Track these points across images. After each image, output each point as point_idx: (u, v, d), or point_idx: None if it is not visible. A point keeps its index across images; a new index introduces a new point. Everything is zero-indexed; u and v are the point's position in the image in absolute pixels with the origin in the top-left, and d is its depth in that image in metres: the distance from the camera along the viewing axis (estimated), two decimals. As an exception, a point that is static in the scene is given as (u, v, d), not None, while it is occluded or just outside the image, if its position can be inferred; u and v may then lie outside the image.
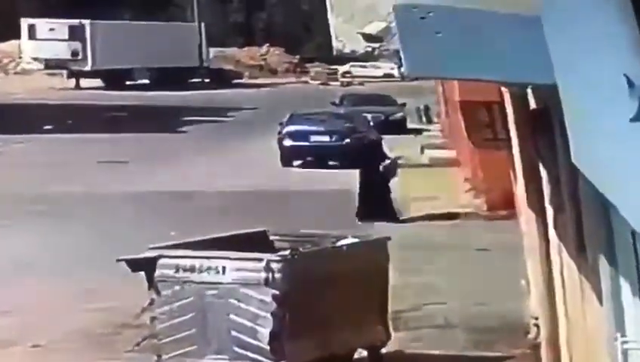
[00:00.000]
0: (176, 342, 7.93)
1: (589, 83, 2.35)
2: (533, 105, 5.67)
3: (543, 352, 6.39)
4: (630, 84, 2.27)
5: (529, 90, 5.45)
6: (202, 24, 48.01)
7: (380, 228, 13.30)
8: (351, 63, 52.35)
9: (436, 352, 9.08)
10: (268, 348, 7.76)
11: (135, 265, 8.12)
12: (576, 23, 2.29)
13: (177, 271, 7.93)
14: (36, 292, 10.95)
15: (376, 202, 15.68)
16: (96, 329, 9.70)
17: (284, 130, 22.83)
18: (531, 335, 8.63)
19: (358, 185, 16.14)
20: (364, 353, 8.69)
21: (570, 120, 2.55)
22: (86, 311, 10.20)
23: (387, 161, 16.37)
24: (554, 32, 2.47)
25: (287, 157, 22.35)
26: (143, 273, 8.08)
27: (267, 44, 53.94)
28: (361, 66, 51.54)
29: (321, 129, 22.87)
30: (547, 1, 2.47)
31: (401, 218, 15.78)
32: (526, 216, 7.32)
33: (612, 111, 2.24)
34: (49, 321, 9.91)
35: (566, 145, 2.75)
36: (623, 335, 4.01)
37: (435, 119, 30.44)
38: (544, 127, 5.02)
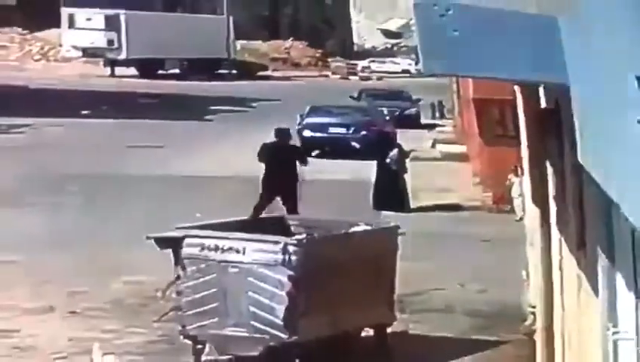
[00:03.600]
0: (199, 314, 8.06)
1: (600, 84, 2.30)
2: (544, 104, 5.62)
3: (538, 339, 6.36)
4: (640, 86, 2.22)
5: (541, 89, 5.40)
6: (230, 17, 47.89)
7: (392, 217, 13.28)
8: (370, 59, 52.23)
9: (437, 334, 9.07)
10: (282, 323, 7.89)
11: (163, 243, 8.26)
12: (591, 25, 2.24)
13: (202, 250, 8.05)
14: (73, 265, 11.06)
15: (389, 192, 15.66)
16: (126, 300, 9.81)
17: (304, 122, 22.82)
18: (528, 323, 8.60)
19: (373, 176, 16.11)
20: (371, 332, 8.70)
21: (579, 119, 2.50)
22: (117, 284, 10.35)
23: (394, 152, 16.30)
24: (569, 32, 2.43)
25: (306, 147, 22.31)
26: (170, 250, 8.16)
27: (291, 38, 53.77)
28: (380, 62, 51.41)
29: (339, 121, 22.84)
30: (564, 2, 2.42)
31: (411, 208, 15.73)
32: (531, 210, 7.27)
33: (621, 113, 2.20)
34: (84, 291, 10.01)
35: (573, 144, 2.70)
36: (615, 326, 3.97)
37: (448, 115, 30.32)
38: (553, 125, 4.98)
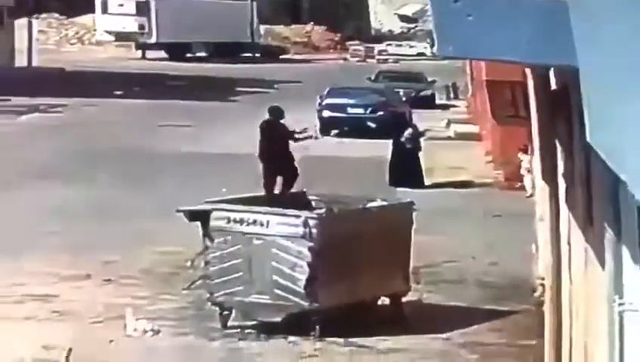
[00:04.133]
0: (226, 282, 8.19)
1: (608, 66, 2.28)
2: (554, 85, 5.57)
3: (547, 310, 6.34)
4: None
5: (551, 72, 5.35)
6: (254, 2, 47.69)
7: (407, 193, 13.27)
8: (387, 42, 51.85)
9: (450, 304, 9.08)
10: (303, 292, 7.98)
11: (192, 215, 8.36)
12: (600, 8, 2.22)
13: (228, 222, 8.14)
14: (107, 235, 11.17)
15: (405, 170, 15.63)
16: (158, 268, 9.91)
17: (324, 102, 22.77)
18: (537, 294, 8.59)
19: (389, 154, 16.08)
20: (387, 301, 8.73)
21: (587, 100, 2.48)
22: (149, 253, 10.46)
23: (409, 131, 16.25)
24: (579, 16, 2.39)
25: (325, 126, 22.31)
26: (198, 223, 8.23)
27: (311, 23, 53.47)
28: (397, 45, 51.02)
29: (357, 102, 22.76)
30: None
31: (425, 185, 15.70)
32: (540, 187, 7.23)
33: (630, 94, 2.17)
34: (118, 260, 10.12)
35: (582, 124, 2.67)
36: (621, 298, 3.96)
37: (462, 96, 30.11)
38: (563, 106, 4.94)
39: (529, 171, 14.41)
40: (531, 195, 13.94)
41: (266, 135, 13.32)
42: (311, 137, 13.71)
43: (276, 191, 12.45)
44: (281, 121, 13.64)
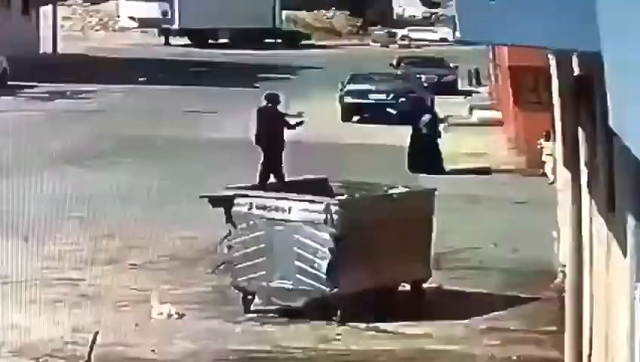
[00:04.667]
0: (249, 267, 8.24)
1: (634, 51, 2.25)
2: (577, 71, 5.51)
3: (567, 296, 6.32)
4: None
5: (574, 57, 5.28)
6: (276, -13, 47.49)
7: (428, 180, 13.22)
8: (409, 27, 51.39)
9: (471, 290, 9.07)
10: (325, 277, 7.99)
11: (215, 201, 8.42)
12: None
13: (251, 208, 8.18)
14: (133, 220, 11.26)
15: (423, 156, 15.57)
16: (182, 253, 9.97)
17: (345, 88, 22.70)
18: (558, 281, 8.55)
19: (409, 140, 16.03)
20: (408, 286, 8.73)
21: (611, 85, 2.45)
22: (174, 238, 10.54)
23: (426, 117, 16.18)
24: (605, 1, 2.36)
25: (347, 113, 22.25)
26: (222, 208, 8.28)
27: (333, 8, 53.17)
28: (419, 30, 50.56)
29: (379, 88, 22.67)
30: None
31: (447, 171, 15.64)
32: (562, 174, 7.18)
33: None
34: (144, 245, 10.21)
35: (605, 110, 2.65)
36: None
37: (485, 82, 29.88)
38: (586, 92, 4.88)
39: (550, 157, 14.32)
40: (553, 182, 13.87)
41: (262, 121, 13.32)
42: (302, 123, 13.62)
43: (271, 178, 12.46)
44: (278, 108, 13.61)
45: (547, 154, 14.98)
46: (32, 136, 18.17)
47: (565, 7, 2.62)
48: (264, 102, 13.72)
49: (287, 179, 9.80)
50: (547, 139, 14.81)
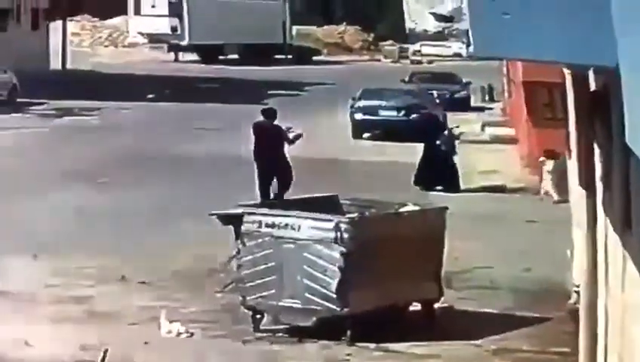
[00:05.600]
0: (258, 286, 8.22)
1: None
2: (593, 86, 5.48)
3: (581, 317, 6.26)
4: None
5: (590, 72, 5.26)
6: (287, 3, 47.53)
7: (439, 198, 13.18)
8: (421, 42, 51.30)
9: (482, 310, 9.01)
10: (335, 296, 7.98)
11: (225, 219, 8.42)
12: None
13: (260, 226, 8.17)
14: (141, 237, 11.27)
15: (437, 173, 15.52)
16: (191, 271, 9.96)
17: (356, 105, 22.68)
18: (572, 301, 8.48)
19: (420, 157, 16.00)
20: (419, 306, 8.68)
21: (628, 102, 2.42)
22: (183, 256, 10.50)
23: (445, 134, 16.14)
24: (622, 14, 2.34)
25: (358, 129, 22.23)
26: (231, 226, 8.27)
27: (344, 23, 53.18)
28: (431, 45, 50.46)
29: (390, 104, 22.63)
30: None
31: (461, 189, 15.58)
32: (577, 192, 7.14)
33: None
34: (153, 263, 10.20)
35: (622, 126, 2.63)
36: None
37: (498, 98, 29.83)
38: (602, 108, 4.86)
39: (551, 175, 14.32)
40: (558, 201, 13.86)
41: (259, 137, 13.29)
42: (301, 136, 13.61)
43: (271, 194, 12.47)
44: (275, 123, 13.59)
45: (548, 172, 14.96)
46: (42, 152, 18.25)
47: (581, 21, 2.59)
48: (260, 117, 13.73)
49: (296, 196, 9.76)
50: (550, 157, 14.81)
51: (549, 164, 15.08)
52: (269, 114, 13.66)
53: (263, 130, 13.33)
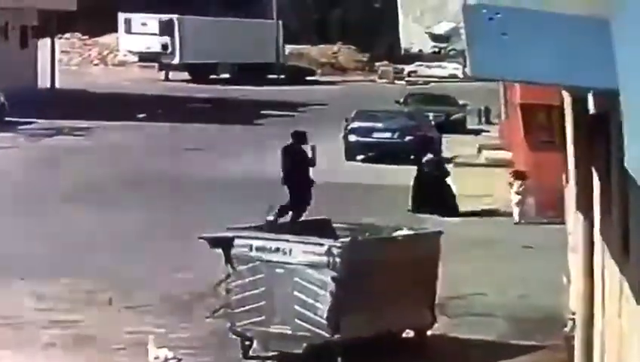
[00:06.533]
0: (247, 312, 8.17)
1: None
2: (592, 110, 5.48)
3: (577, 345, 6.21)
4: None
5: (589, 95, 5.26)
6: (280, 22, 47.62)
7: (433, 222, 13.14)
8: (417, 63, 51.42)
9: (477, 337, 8.95)
10: (326, 322, 7.89)
11: (214, 242, 8.35)
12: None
13: (251, 250, 8.11)
14: (129, 261, 11.18)
15: (431, 196, 15.48)
16: (180, 296, 9.89)
17: (350, 126, 22.69)
18: (567, 329, 8.44)
19: (413, 180, 15.97)
20: (412, 333, 8.62)
21: (628, 126, 2.41)
22: (170, 280, 10.42)
23: (428, 156, 16.13)
24: (622, 36, 2.33)
25: (351, 151, 22.21)
26: (220, 250, 8.20)
27: (339, 42, 53.24)
28: (427, 66, 50.56)
29: (385, 126, 22.63)
30: (617, 4, 2.32)
31: (457, 212, 15.54)
32: (573, 216, 7.12)
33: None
34: (141, 287, 10.13)
35: (620, 151, 2.61)
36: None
37: (495, 120, 29.87)
38: (601, 132, 4.85)
39: (518, 196, 14.48)
40: (519, 223, 13.99)
41: (287, 159, 13.40)
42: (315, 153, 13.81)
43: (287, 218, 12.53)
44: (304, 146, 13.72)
45: (515, 193, 15.04)
46: (29, 173, 18.17)
47: (581, 43, 2.58)
48: (290, 140, 13.84)
49: (288, 220, 9.77)
50: (518, 178, 14.93)
51: (516, 185, 15.15)
52: (300, 137, 13.78)
53: (290, 153, 13.40)
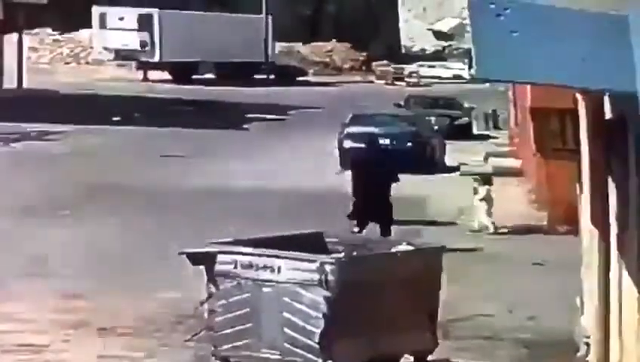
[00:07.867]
0: (232, 335, 8.08)
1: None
2: (608, 114, 5.49)
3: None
4: None
5: (606, 98, 5.25)
6: (269, 17, 47.48)
7: (437, 238, 13.15)
8: (419, 62, 51.51)
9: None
10: (317, 347, 7.83)
11: (196, 259, 8.27)
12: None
13: (235, 267, 8.04)
14: (104, 279, 11.15)
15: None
16: (158, 317, 9.86)
17: (345, 131, 22.69)
18: (581, 354, 8.44)
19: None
20: (411, 359, 8.61)
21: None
22: (149, 300, 10.39)
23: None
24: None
25: (347, 158, 22.22)
26: (202, 267, 8.16)
27: (334, 39, 53.18)
28: (430, 66, 50.69)
29: (383, 131, 22.60)
30: (634, 3, 2.31)
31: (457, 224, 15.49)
32: (588, 231, 7.13)
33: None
34: (115, 307, 10.08)
35: (639, 158, 2.60)
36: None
37: (503, 126, 29.94)
38: (618, 138, 4.85)
39: (483, 203, 14.56)
40: (479, 231, 14.17)
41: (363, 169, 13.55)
42: None
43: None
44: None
45: (480, 200, 15.12)
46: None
47: (597, 43, 2.55)
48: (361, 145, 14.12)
49: (277, 233, 9.71)
50: (483, 183, 15.08)
51: (482, 191, 15.21)
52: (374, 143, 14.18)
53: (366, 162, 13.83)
